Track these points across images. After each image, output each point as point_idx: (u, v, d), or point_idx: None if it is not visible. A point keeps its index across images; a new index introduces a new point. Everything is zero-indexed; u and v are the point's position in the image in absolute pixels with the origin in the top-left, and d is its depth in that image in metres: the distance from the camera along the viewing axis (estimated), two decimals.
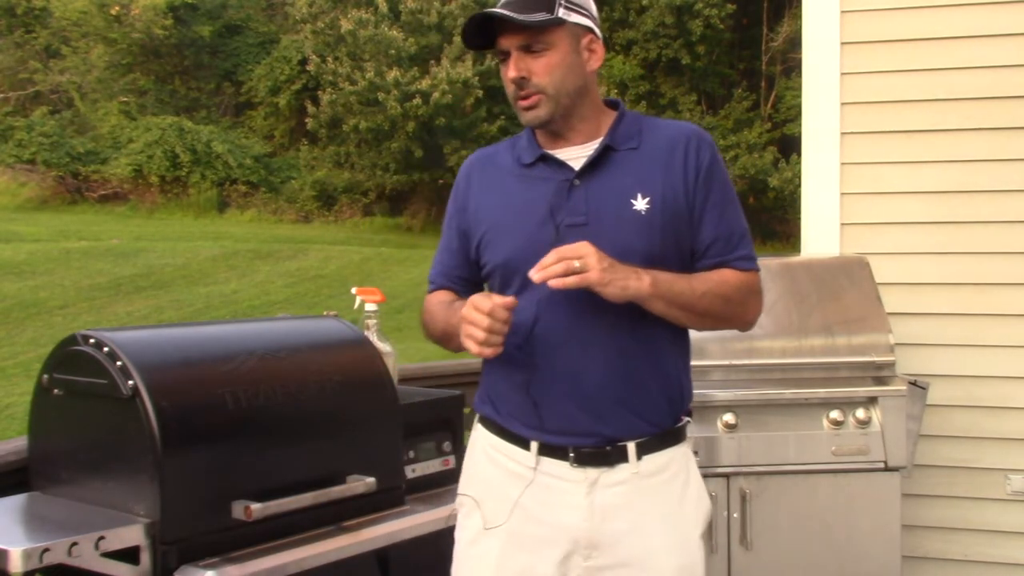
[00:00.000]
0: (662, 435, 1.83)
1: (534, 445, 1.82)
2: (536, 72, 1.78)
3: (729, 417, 2.82)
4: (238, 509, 2.04)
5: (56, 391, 2.15)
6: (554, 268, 1.65)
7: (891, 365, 2.96)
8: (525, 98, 1.80)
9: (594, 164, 1.82)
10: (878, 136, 3.55)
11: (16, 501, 2.16)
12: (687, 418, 1.90)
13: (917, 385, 2.97)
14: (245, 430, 2.12)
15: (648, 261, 1.74)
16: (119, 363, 2.00)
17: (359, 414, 2.36)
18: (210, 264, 16.89)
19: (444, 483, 2.56)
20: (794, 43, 21.00)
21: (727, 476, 2.82)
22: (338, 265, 17.66)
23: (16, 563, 1.80)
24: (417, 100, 23.31)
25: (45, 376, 2.18)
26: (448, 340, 1.90)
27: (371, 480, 2.26)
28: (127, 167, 24.56)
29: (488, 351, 1.69)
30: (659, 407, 1.82)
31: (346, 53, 24.50)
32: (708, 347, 2.95)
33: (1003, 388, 3.46)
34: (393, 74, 23.53)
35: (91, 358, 2.05)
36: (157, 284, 15.26)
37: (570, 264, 1.65)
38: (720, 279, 1.80)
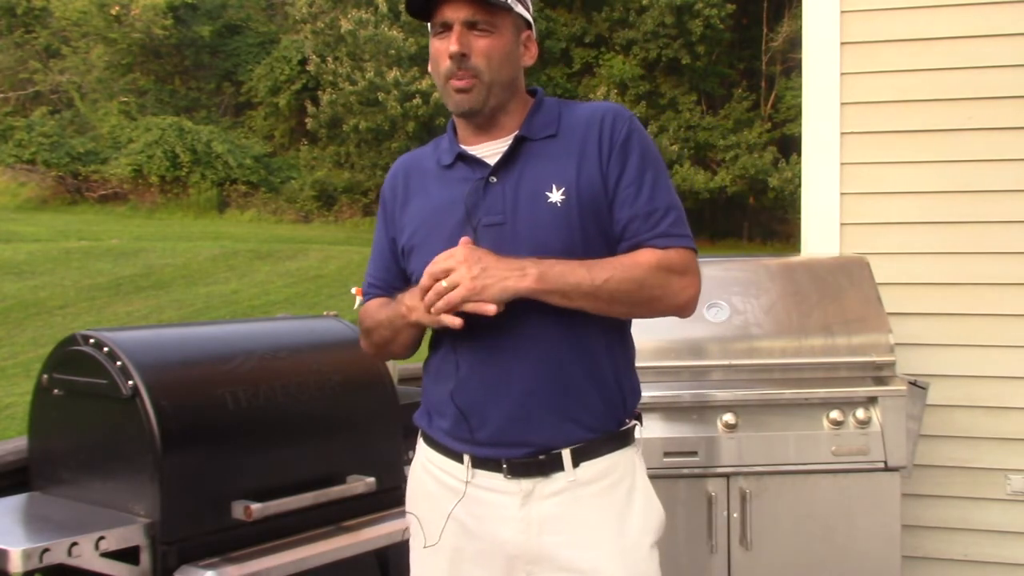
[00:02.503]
0: (601, 440, 1.73)
1: (467, 458, 1.74)
2: (476, 52, 1.68)
3: (729, 417, 2.82)
4: (238, 509, 2.04)
5: (56, 391, 2.15)
6: (428, 298, 1.59)
7: (891, 365, 2.96)
8: (460, 78, 1.69)
9: (509, 158, 1.73)
10: (878, 136, 3.54)
11: (16, 501, 2.16)
12: (634, 421, 1.79)
13: (917, 385, 2.97)
14: (245, 430, 2.12)
15: (569, 256, 1.65)
16: (119, 363, 2.00)
17: (359, 414, 2.36)
18: (210, 264, 16.89)
19: None
20: (794, 43, 21.00)
21: (727, 476, 2.82)
22: (338, 265, 17.66)
23: (16, 563, 1.80)
24: (417, 100, 23.33)
25: (45, 376, 2.18)
26: (396, 335, 1.79)
27: (371, 480, 2.27)
28: (127, 167, 24.57)
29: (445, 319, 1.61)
30: (595, 411, 1.72)
31: (346, 53, 24.51)
32: (708, 347, 2.95)
33: (1003, 388, 3.46)
34: (393, 74, 23.55)
35: (91, 358, 2.05)
36: (157, 284, 15.26)
37: (439, 288, 1.58)
38: (631, 262, 1.67)
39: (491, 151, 1.76)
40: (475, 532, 1.74)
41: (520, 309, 1.64)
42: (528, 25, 1.77)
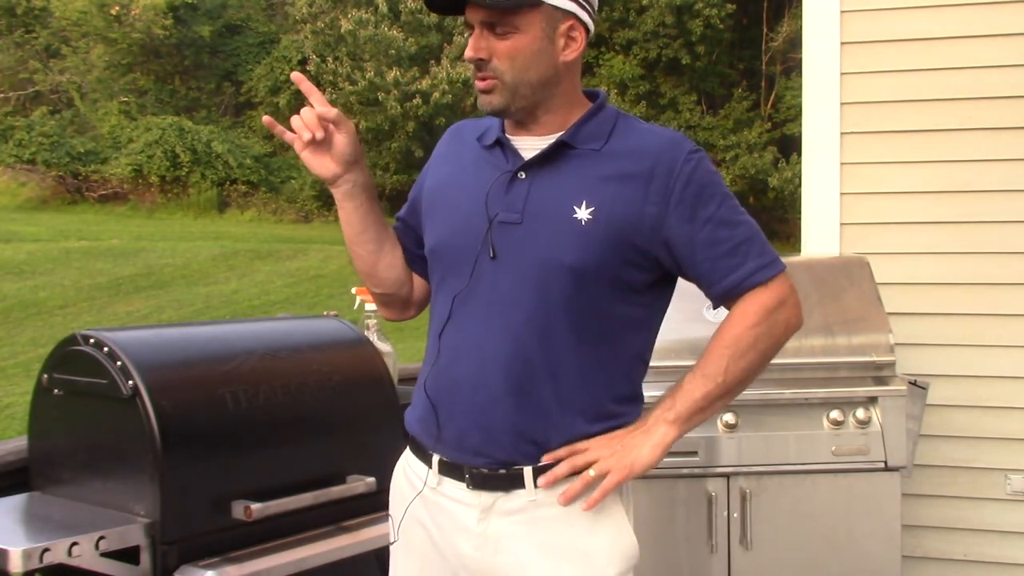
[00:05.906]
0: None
1: (435, 461, 1.67)
2: (497, 54, 1.58)
3: (729, 417, 2.82)
4: (238, 509, 2.04)
5: (56, 391, 2.15)
6: (574, 487, 1.55)
7: (891, 365, 2.95)
8: (482, 79, 1.61)
9: (544, 159, 1.63)
10: (878, 136, 3.54)
11: (16, 501, 2.16)
12: None
13: (917, 385, 2.97)
14: (245, 430, 2.12)
15: (577, 276, 1.57)
16: (119, 363, 2.00)
17: (359, 414, 2.36)
18: (210, 264, 16.88)
19: None
20: (794, 43, 21.00)
21: (727, 476, 2.82)
22: (338, 265, 17.64)
23: (16, 563, 1.80)
24: (417, 100, 23.33)
25: (45, 376, 2.18)
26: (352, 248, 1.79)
27: (371, 480, 2.27)
28: (127, 167, 24.55)
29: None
30: (567, 436, 1.60)
31: (346, 53, 24.51)
32: None
33: (1003, 388, 3.46)
34: (393, 74, 23.55)
35: (91, 358, 2.05)
36: (157, 284, 15.25)
37: (586, 477, 1.53)
38: (732, 336, 1.61)
39: (530, 146, 1.66)
40: (438, 543, 1.69)
41: (504, 318, 1.60)
42: (570, 14, 1.60)
